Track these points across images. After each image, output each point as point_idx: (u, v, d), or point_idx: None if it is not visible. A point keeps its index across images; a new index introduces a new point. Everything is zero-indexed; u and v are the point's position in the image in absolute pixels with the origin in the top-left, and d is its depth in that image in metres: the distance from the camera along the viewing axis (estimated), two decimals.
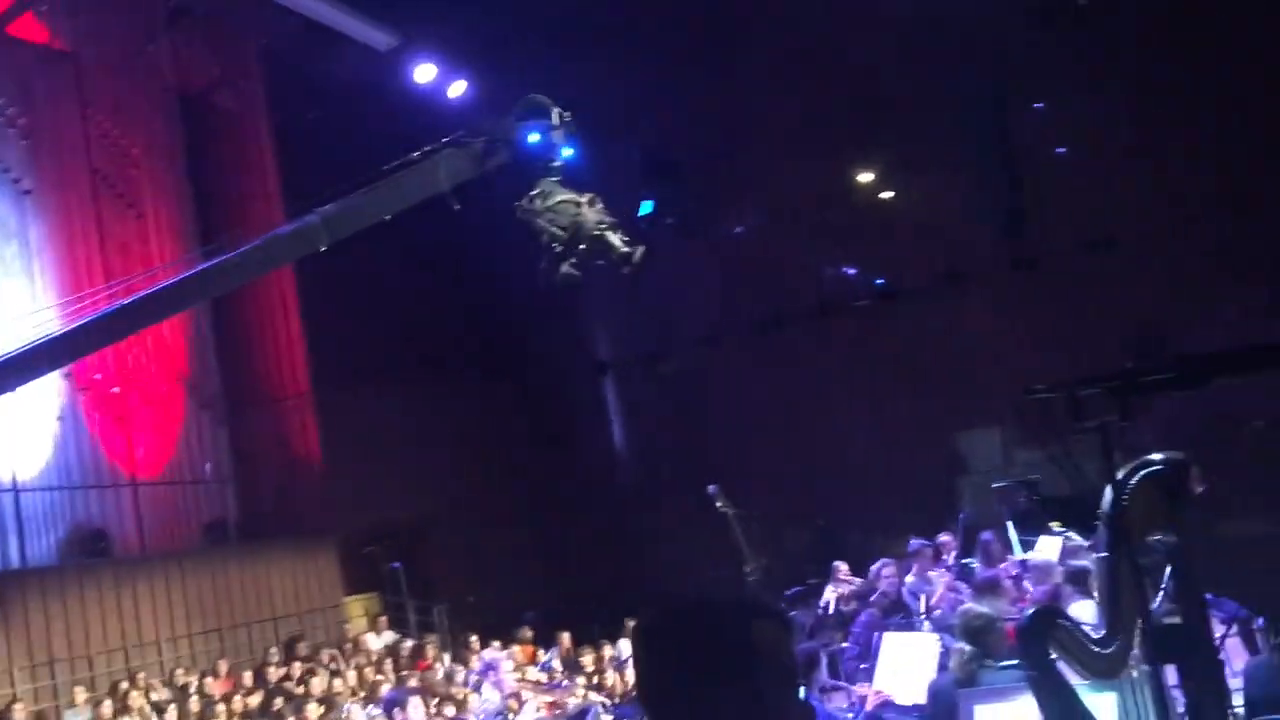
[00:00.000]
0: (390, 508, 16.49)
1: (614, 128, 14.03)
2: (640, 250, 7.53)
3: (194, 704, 11.98)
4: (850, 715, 7.35)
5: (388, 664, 13.35)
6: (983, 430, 15.33)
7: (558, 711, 11.11)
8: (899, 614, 9.87)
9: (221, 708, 11.84)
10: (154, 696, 12.26)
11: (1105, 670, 4.13)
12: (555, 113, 7.63)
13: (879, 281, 16.51)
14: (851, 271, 16.93)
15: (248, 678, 13.14)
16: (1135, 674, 4.13)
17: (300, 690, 12.11)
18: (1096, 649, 4.13)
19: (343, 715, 10.84)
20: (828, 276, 16.93)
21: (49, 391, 13.93)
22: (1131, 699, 4.16)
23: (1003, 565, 9.56)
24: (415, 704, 10.40)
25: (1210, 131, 13.74)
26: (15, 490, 13.62)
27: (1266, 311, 13.44)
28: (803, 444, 16.59)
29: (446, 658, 13.83)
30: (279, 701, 11.67)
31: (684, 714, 1.81)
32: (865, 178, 15.80)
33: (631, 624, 12.24)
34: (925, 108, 14.87)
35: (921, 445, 15.92)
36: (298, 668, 13.33)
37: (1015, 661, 5.06)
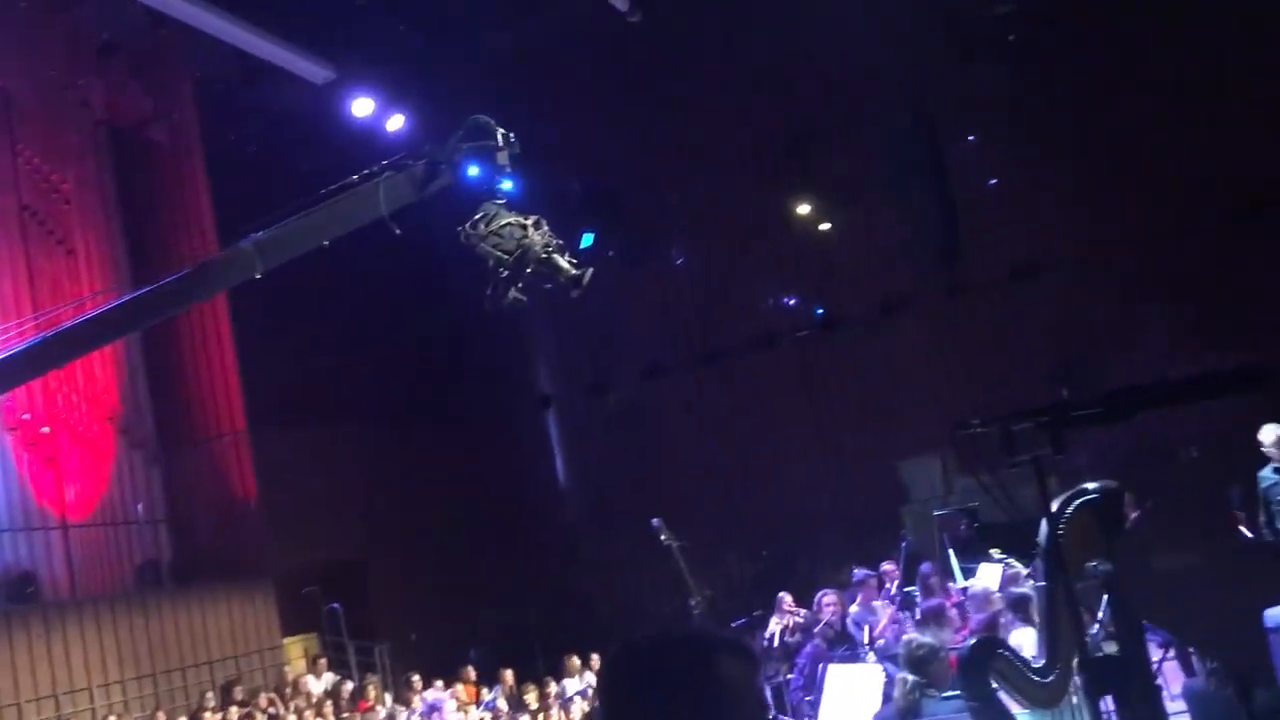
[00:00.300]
0: (329, 546, 16.23)
1: (554, 161, 14.06)
2: (589, 272, 7.44)
3: None
4: None
5: (328, 706, 13.10)
6: (923, 458, 15.45)
7: None
8: (844, 645, 9.88)
9: None
10: None
11: (1046, 700, 4.15)
12: (500, 134, 7.53)
13: (819, 312, 16.64)
14: (792, 302, 17.05)
15: None
16: (1075, 701, 4.15)
17: None
18: (1036, 678, 4.15)
19: None
20: (768, 307, 17.04)
21: None
22: None
23: (943, 595, 9.61)
24: None
25: (1136, 162, 14.06)
26: None
27: (1191, 339, 13.74)
28: (746, 474, 16.63)
29: (388, 698, 13.60)
30: None
31: None
32: (803, 209, 15.95)
33: (576, 659, 12.14)
34: (861, 141, 15.08)
35: (864, 474, 16.03)
36: (235, 712, 13.04)
37: (958, 692, 5.07)
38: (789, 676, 9.75)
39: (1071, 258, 14.51)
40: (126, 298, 8.50)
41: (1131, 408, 2.45)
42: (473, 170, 7.89)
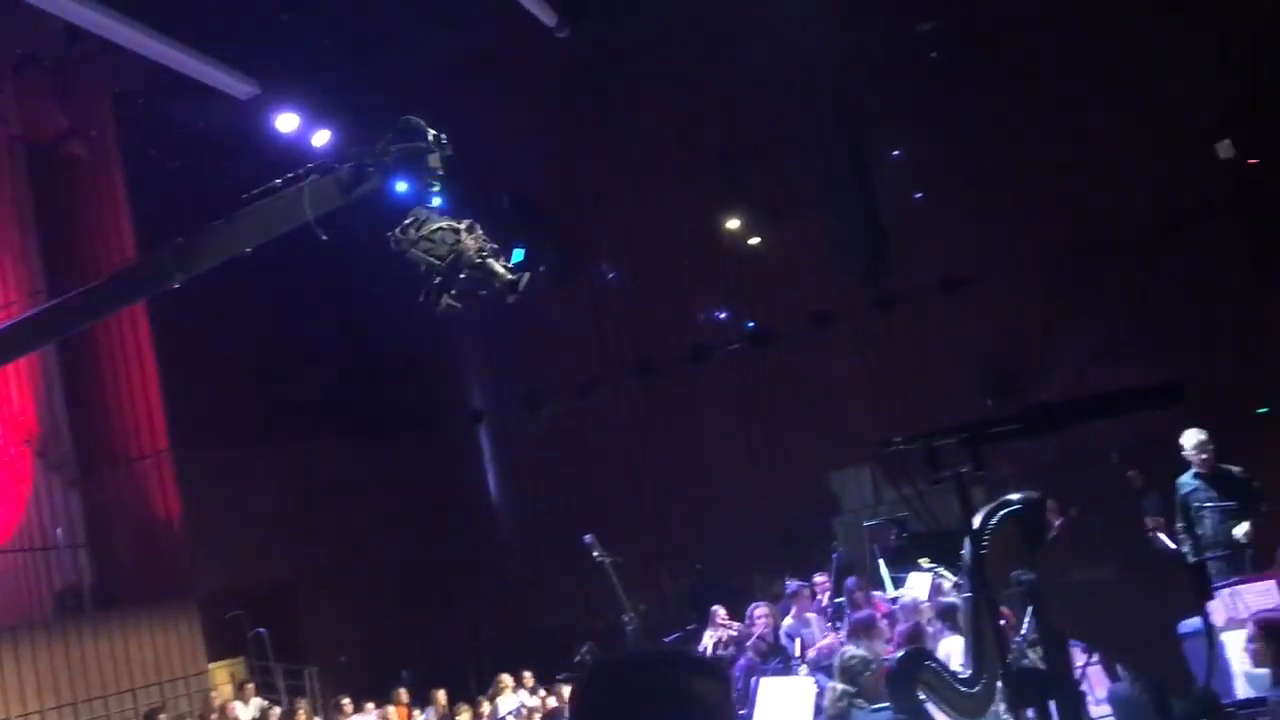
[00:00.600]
0: (256, 568, 15.93)
1: (483, 176, 13.98)
2: (525, 277, 7.26)
3: None
4: None
5: None
6: (853, 470, 15.61)
7: None
8: (776, 658, 9.91)
9: None
10: None
11: (973, 710, 4.19)
12: (432, 135, 7.33)
13: (750, 325, 16.74)
14: (723, 316, 17.13)
15: None
16: (1003, 709, 4.20)
17: None
18: (963, 689, 4.19)
19: None
20: (700, 321, 17.11)
21: None
22: None
23: (870, 607, 9.68)
24: None
25: (1058, 179, 14.37)
26: None
27: (1111, 352, 14.07)
28: (680, 488, 16.65)
29: None
30: None
31: None
32: (733, 224, 16.06)
33: (509, 678, 11.96)
34: (789, 156, 15.22)
35: (795, 486, 16.15)
36: None
37: (888, 704, 5.10)
38: None
39: (997, 272, 14.76)
40: (36, 310, 8.23)
41: (1048, 423, 2.49)
42: (401, 186, 7.73)
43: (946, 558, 9.14)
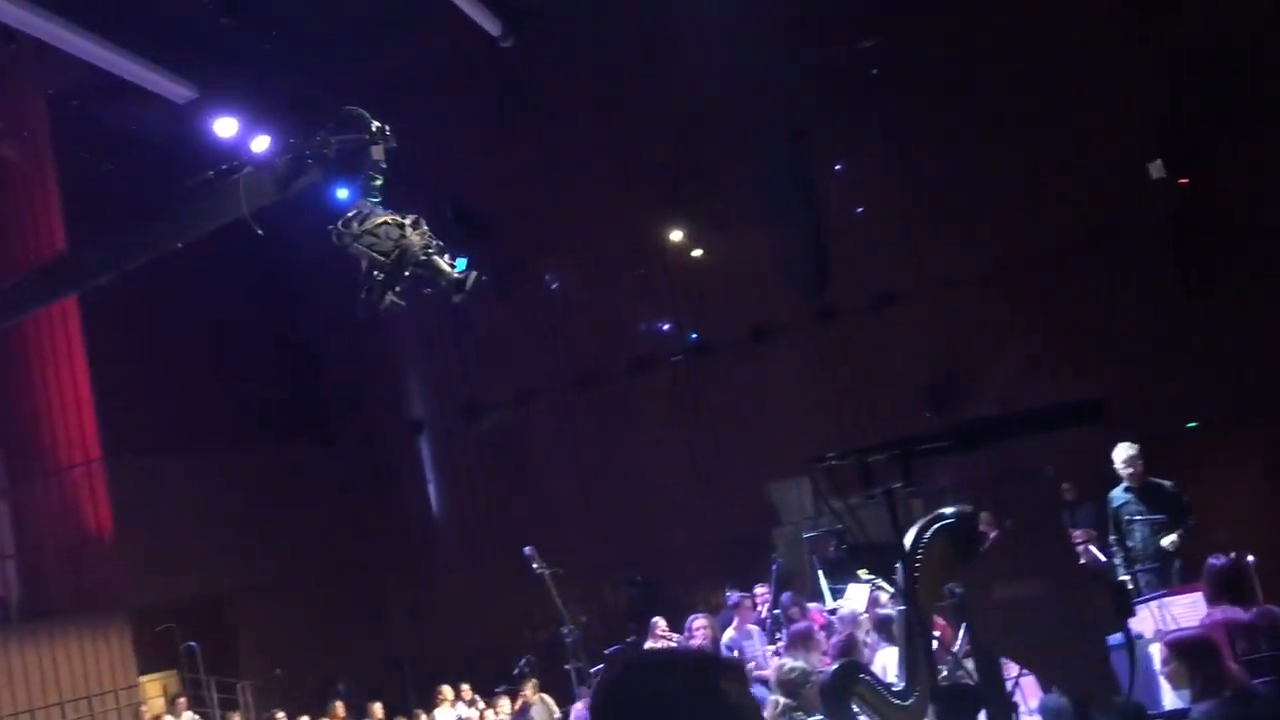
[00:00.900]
0: (190, 579, 15.65)
1: (426, 185, 13.89)
2: (473, 276, 7.04)
3: None
4: None
5: None
6: (794, 481, 15.67)
7: None
8: None
9: None
10: None
11: None
12: (374, 126, 7.08)
13: (692, 336, 16.77)
14: (666, 327, 17.16)
15: None
16: None
17: None
18: (897, 701, 4.20)
19: None
20: (642, 332, 17.12)
21: None
22: None
23: (805, 620, 9.73)
24: None
25: (995, 193, 14.59)
26: None
27: (1047, 366, 14.30)
28: (621, 499, 16.63)
29: None
30: None
31: None
32: (677, 235, 16.10)
33: (448, 689, 11.88)
34: (733, 168, 15.29)
35: (736, 497, 16.19)
36: None
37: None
38: None
39: (938, 286, 14.94)
40: None
41: (973, 440, 2.52)
42: (342, 193, 7.52)
43: (885, 570, 9.21)
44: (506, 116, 16.57)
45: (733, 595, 11.47)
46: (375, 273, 6.90)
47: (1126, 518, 8.92)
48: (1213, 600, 5.78)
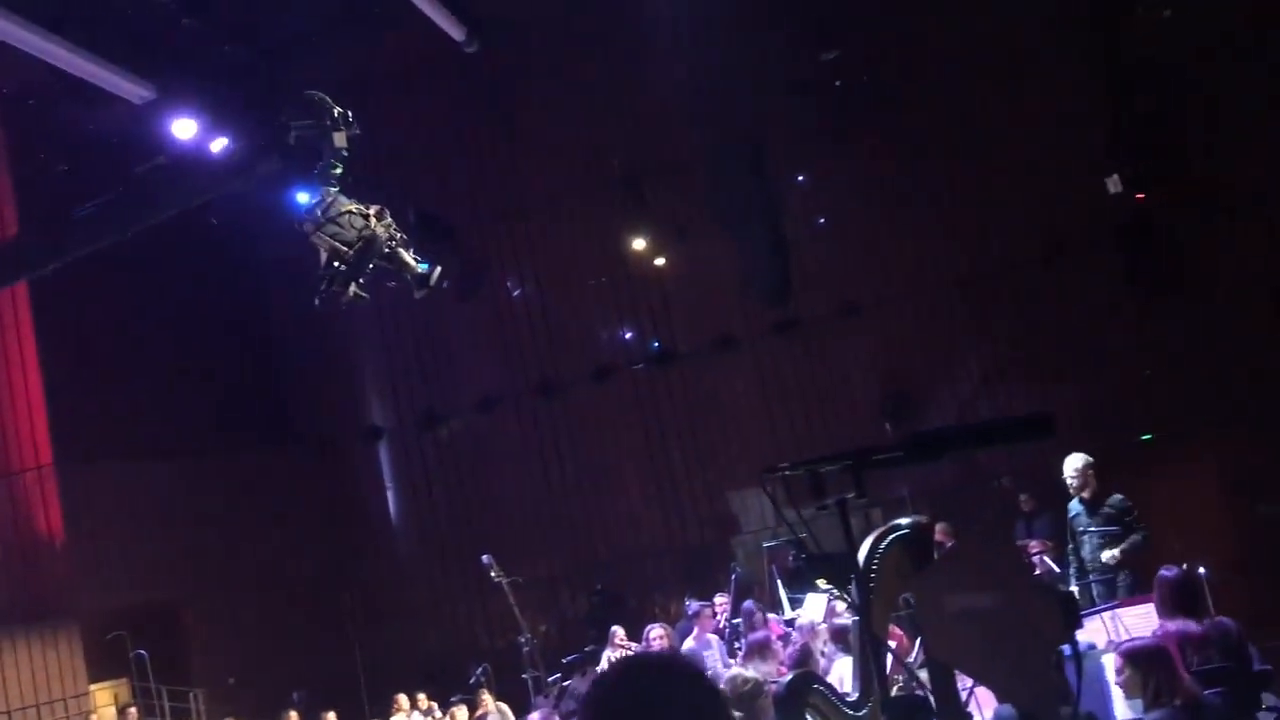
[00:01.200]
0: (143, 586, 15.43)
1: (387, 190, 13.80)
2: (438, 271, 6.87)
3: None
4: None
5: None
6: (754, 490, 15.70)
7: None
8: None
9: None
10: None
11: None
12: (337, 112, 6.88)
13: (654, 345, 16.77)
14: (628, 335, 17.14)
15: None
16: None
17: None
18: (850, 712, 4.21)
19: None
20: (604, 340, 17.09)
21: None
22: None
23: (765, 629, 9.74)
24: None
25: (955, 205, 14.71)
26: None
27: (1002, 377, 14.44)
28: (581, 507, 16.59)
29: None
30: None
31: None
32: (639, 244, 16.10)
33: (404, 698, 11.78)
34: (695, 178, 15.33)
35: (696, 506, 16.21)
36: None
37: None
38: None
39: (898, 297, 15.05)
40: None
41: (925, 453, 2.53)
42: (303, 197, 7.31)
43: (842, 580, 9.23)
44: (469, 122, 16.53)
45: (692, 604, 11.45)
46: (337, 263, 6.69)
47: (1080, 529, 9.00)
48: (1164, 611, 5.82)
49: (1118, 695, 5.42)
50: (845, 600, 9.00)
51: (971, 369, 14.79)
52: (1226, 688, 5.30)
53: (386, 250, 6.62)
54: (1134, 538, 8.72)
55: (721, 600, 12.04)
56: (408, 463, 17.81)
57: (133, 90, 14.08)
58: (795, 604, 11.07)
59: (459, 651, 15.74)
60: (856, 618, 4.48)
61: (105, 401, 15.10)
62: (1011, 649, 2.38)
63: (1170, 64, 12.98)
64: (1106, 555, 8.70)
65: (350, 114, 6.79)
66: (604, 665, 11.03)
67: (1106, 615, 6.50)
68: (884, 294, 15.11)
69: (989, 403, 14.52)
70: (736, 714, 6.11)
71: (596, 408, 16.69)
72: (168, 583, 15.71)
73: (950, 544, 8.56)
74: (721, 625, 11.24)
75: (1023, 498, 12.82)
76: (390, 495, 18.23)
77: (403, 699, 13.47)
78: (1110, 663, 5.52)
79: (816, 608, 9.75)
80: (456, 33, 14.55)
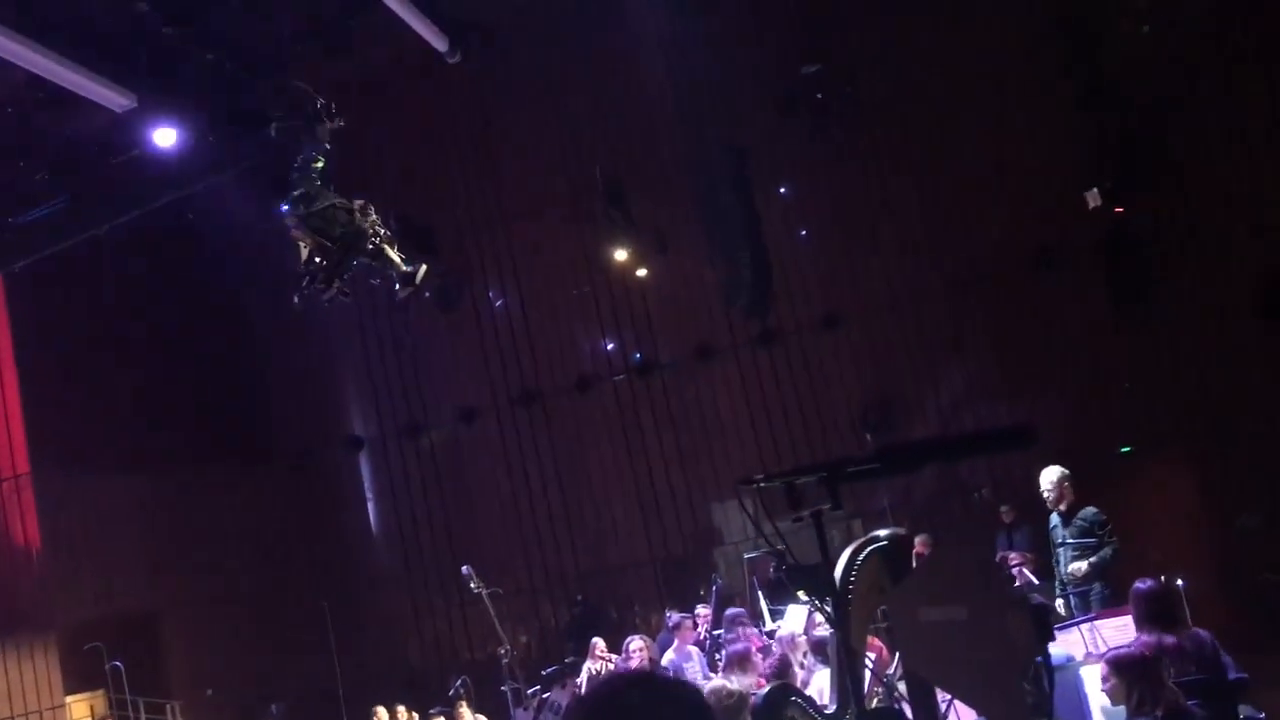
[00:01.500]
0: (121, 597, 15.31)
1: (368, 199, 13.76)
2: (423, 269, 6.74)
3: None
4: None
5: None
6: (734, 501, 15.71)
7: None
8: None
9: None
10: None
11: None
12: (319, 104, 6.77)
13: (635, 356, 16.77)
14: (609, 346, 17.14)
15: None
16: None
17: None
18: None
19: None
20: (585, 351, 17.08)
21: None
22: None
23: (746, 639, 9.72)
24: None
25: (936, 218, 14.78)
26: None
27: (982, 389, 14.48)
28: (562, 518, 16.55)
29: None
30: None
31: None
32: (621, 255, 16.11)
33: (383, 711, 11.71)
34: (677, 190, 15.36)
35: (678, 517, 16.19)
36: None
37: None
38: None
39: (879, 308, 15.10)
40: None
41: (903, 464, 2.53)
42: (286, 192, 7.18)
43: (822, 592, 9.22)
44: (451, 133, 16.52)
45: (673, 616, 11.43)
46: (319, 259, 6.55)
47: (1057, 542, 9.03)
48: (1140, 623, 5.84)
49: (1095, 707, 5.43)
50: (823, 612, 9.03)
51: (952, 381, 14.84)
52: (1203, 699, 5.32)
53: (371, 246, 6.49)
54: (1103, 551, 8.75)
55: (703, 611, 12.02)
56: (389, 473, 17.74)
57: (113, 98, 14.01)
58: (776, 615, 11.06)
59: (439, 663, 15.68)
60: (833, 631, 4.49)
61: (83, 411, 14.99)
62: (985, 661, 2.39)
63: (1149, 79, 13.09)
64: (1072, 568, 8.74)
65: (334, 105, 6.69)
66: (584, 677, 11.00)
67: (1085, 627, 6.52)
68: (865, 305, 15.15)
69: (970, 415, 14.58)
70: None
71: (578, 418, 16.67)
72: (145, 593, 15.59)
73: (928, 553, 8.56)
74: (702, 637, 11.22)
75: (1003, 509, 12.83)
76: (371, 506, 18.16)
77: (382, 711, 13.38)
78: (1089, 675, 5.53)
79: (797, 619, 9.74)
80: (439, 43, 14.53)
